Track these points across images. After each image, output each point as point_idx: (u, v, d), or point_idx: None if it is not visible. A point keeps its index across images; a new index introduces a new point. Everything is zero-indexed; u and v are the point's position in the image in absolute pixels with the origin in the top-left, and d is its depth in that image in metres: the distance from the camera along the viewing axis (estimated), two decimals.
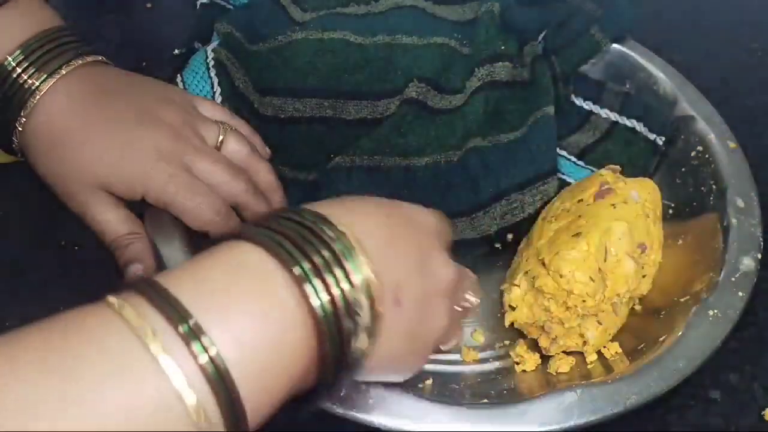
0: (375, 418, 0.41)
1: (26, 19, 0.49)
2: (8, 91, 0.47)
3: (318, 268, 0.31)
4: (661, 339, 0.46)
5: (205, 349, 0.28)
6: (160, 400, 0.27)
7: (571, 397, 0.42)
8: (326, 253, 0.32)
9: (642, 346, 0.47)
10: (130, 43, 0.65)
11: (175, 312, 0.28)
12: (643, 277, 0.50)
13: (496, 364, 0.49)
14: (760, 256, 0.49)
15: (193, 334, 0.28)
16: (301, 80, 0.56)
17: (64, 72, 0.48)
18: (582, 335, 0.47)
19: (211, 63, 0.56)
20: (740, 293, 0.47)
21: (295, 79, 0.56)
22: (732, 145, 0.55)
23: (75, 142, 0.46)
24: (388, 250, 0.36)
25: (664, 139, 0.57)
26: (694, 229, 0.52)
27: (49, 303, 0.49)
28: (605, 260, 0.46)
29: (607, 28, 0.60)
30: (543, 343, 0.48)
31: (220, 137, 0.50)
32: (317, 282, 0.31)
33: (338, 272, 0.32)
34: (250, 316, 0.30)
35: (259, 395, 0.30)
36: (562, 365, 0.47)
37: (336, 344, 0.32)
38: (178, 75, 0.56)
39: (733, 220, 0.50)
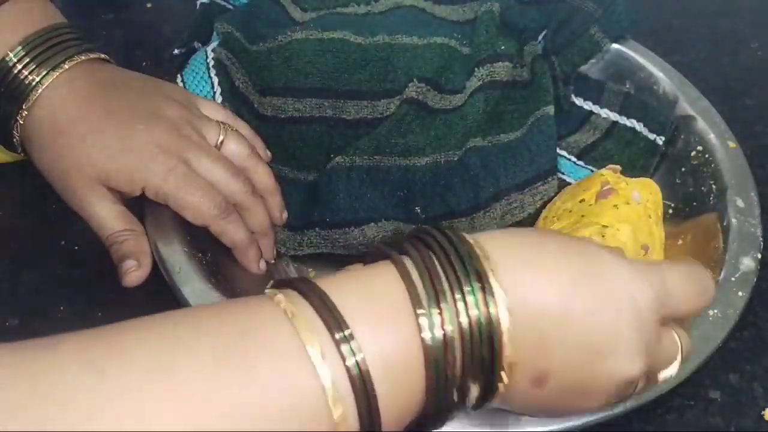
0: None
1: (29, 15, 0.49)
2: (9, 86, 0.47)
3: (444, 330, 0.29)
4: None
5: (354, 354, 0.28)
6: (309, 393, 0.27)
7: None
8: (463, 317, 0.30)
9: None
10: (130, 43, 0.65)
11: (332, 317, 0.29)
12: None
13: None
14: (760, 256, 0.49)
15: (346, 339, 0.28)
16: (301, 80, 0.56)
17: (66, 67, 0.48)
18: None
19: (211, 63, 0.56)
20: (740, 293, 0.47)
21: (295, 79, 0.56)
22: (732, 145, 0.55)
23: (75, 135, 0.47)
24: (547, 330, 0.30)
25: (664, 139, 0.57)
26: (694, 229, 0.52)
27: (49, 303, 0.50)
28: None
29: (607, 28, 0.61)
30: None
31: (221, 137, 0.50)
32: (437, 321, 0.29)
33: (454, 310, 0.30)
34: (392, 334, 0.29)
35: (390, 411, 0.29)
36: None
37: (439, 387, 0.30)
38: (178, 75, 0.56)
39: (733, 220, 0.50)
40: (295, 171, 0.56)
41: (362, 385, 0.28)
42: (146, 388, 0.26)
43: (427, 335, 0.29)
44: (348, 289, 0.30)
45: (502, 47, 0.58)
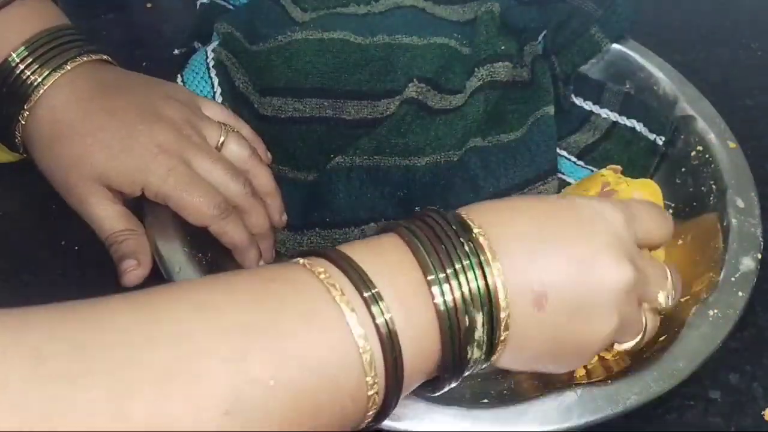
0: None
1: (32, 16, 0.49)
2: (12, 86, 0.48)
3: (447, 275, 0.34)
4: (661, 339, 0.46)
5: (382, 312, 0.32)
6: (343, 347, 0.31)
7: (570, 397, 0.42)
8: (457, 263, 0.34)
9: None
10: (130, 43, 0.65)
11: (360, 279, 0.32)
12: None
13: None
14: (760, 256, 0.49)
15: (374, 298, 0.32)
16: (301, 80, 0.56)
17: (68, 68, 0.48)
18: None
19: (211, 63, 0.56)
20: (740, 293, 0.47)
21: (295, 79, 0.56)
22: (732, 145, 0.55)
23: (76, 135, 0.47)
24: (534, 253, 0.35)
25: (664, 139, 0.57)
26: (694, 229, 0.52)
27: (49, 303, 0.50)
28: None
29: (607, 28, 0.61)
30: None
31: (222, 138, 0.50)
32: (445, 286, 0.34)
33: (462, 278, 0.34)
34: (411, 295, 0.33)
35: (412, 365, 0.33)
36: None
37: (454, 348, 0.34)
38: (179, 75, 0.56)
39: (733, 220, 0.50)
40: (295, 171, 0.56)
41: (390, 343, 0.32)
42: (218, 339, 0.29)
43: (439, 301, 0.33)
44: (368, 258, 0.34)
45: (502, 47, 0.58)
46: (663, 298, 0.41)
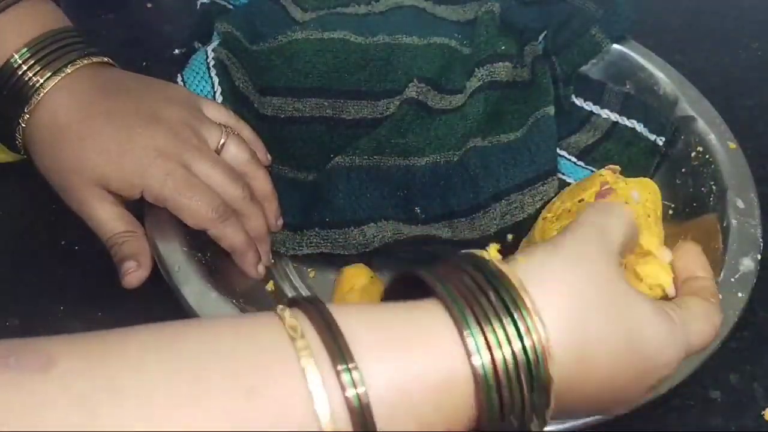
0: None
1: (34, 18, 0.49)
2: (13, 88, 0.48)
3: (486, 336, 0.29)
4: None
5: (354, 385, 0.27)
6: (303, 419, 0.27)
7: None
8: (496, 322, 0.30)
9: None
10: (130, 43, 0.65)
11: (338, 348, 0.28)
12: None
13: None
14: (759, 256, 0.49)
15: (348, 370, 0.28)
16: (301, 80, 0.56)
17: (69, 71, 0.48)
18: None
19: (212, 63, 0.56)
20: (740, 293, 0.47)
21: (295, 79, 0.56)
22: (732, 145, 0.55)
23: (75, 138, 0.47)
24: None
25: (664, 139, 0.57)
26: (694, 230, 0.52)
27: (49, 303, 0.50)
28: None
29: (607, 29, 0.60)
30: None
31: (222, 140, 0.50)
32: (484, 352, 0.29)
33: (502, 335, 0.29)
34: (410, 364, 0.29)
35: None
36: None
37: (495, 412, 0.30)
38: (179, 75, 0.56)
39: (733, 221, 0.50)
40: (295, 171, 0.56)
41: (361, 417, 0.27)
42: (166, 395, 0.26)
43: (476, 360, 0.29)
44: (362, 316, 0.30)
45: (503, 47, 0.58)
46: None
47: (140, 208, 0.49)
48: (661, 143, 0.57)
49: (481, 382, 0.29)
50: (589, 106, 0.60)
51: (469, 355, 0.29)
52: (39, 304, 0.50)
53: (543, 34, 0.60)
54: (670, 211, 0.54)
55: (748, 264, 0.48)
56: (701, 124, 0.56)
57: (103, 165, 0.46)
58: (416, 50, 0.57)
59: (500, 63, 0.57)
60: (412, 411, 0.29)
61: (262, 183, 0.51)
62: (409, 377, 0.29)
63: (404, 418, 0.29)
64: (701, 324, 0.36)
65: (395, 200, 0.53)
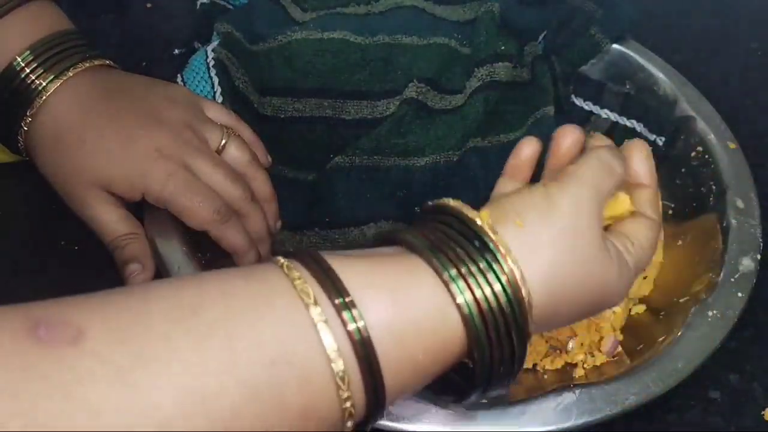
0: None
1: (37, 21, 0.49)
2: (16, 91, 0.48)
3: (464, 275, 0.34)
4: (660, 339, 0.46)
5: (355, 320, 0.31)
6: (311, 358, 0.30)
7: (570, 397, 0.42)
8: (472, 264, 0.34)
9: (641, 346, 0.47)
10: (130, 43, 0.65)
11: (334, 287, 0.31)
12: (644, 278, 0.50)
13: None
14: (759, 256, 0.49)
15: (347, 305, 0.31)
16: (301, 80, 0.56)
17: (71, 74, 0.48)
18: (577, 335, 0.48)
19: (212, 63, 0.56)
20: (740, 294, 0.47)
21: (295, 79, 0.56)
22: (732, 145, 0.55)
23: (77, 140, 0.47)
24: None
25: (664, 139, 0.57)
26: (694, 230, 0.52)
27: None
28: None
29: (607, 28, 0.60)
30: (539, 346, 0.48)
31: (223, 141, 0.50)
32: (463, 286, 0.33)
33: (481, 279, 0.34)
34: (400, 299, 0.33)
35: (400, 368, 0.32)
36: (555, 364, 0.47)
37: (484, 344, 0.34)
38: (179, 75, 0.56)
39: (733, 221, 0.50)
40: (295, 171, 0.56)
41: (363, 350, 0.31)
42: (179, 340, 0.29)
43: (460, 300, 0.33)
44: (354, 260, 0.33)
45: (502, 47, 0.58)
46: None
47: (140, 208, 0.49)
48: (661, 143, 0.57)
49: (464, 309, 0.33)
50: (588, 106, 0.60)
51: (453, 297, 0.33)
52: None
53: (543, 34, 0.60)
54: (670, 211, 0.54)
55: (748, 264, 0.48)
56: (701, 124, 0.56)
57: (105, 167, 0.46)
58: (416, 50, 0.57)
59: (500, 63, 0.57)
60: (406, 343, 0.32)
61: (262, 184, 0.51)
62: (400, 312, 0.32)
63: (399, 354, 0.32)
64: (647, 251, 0.41)
65: (395, 200, 0.53)
